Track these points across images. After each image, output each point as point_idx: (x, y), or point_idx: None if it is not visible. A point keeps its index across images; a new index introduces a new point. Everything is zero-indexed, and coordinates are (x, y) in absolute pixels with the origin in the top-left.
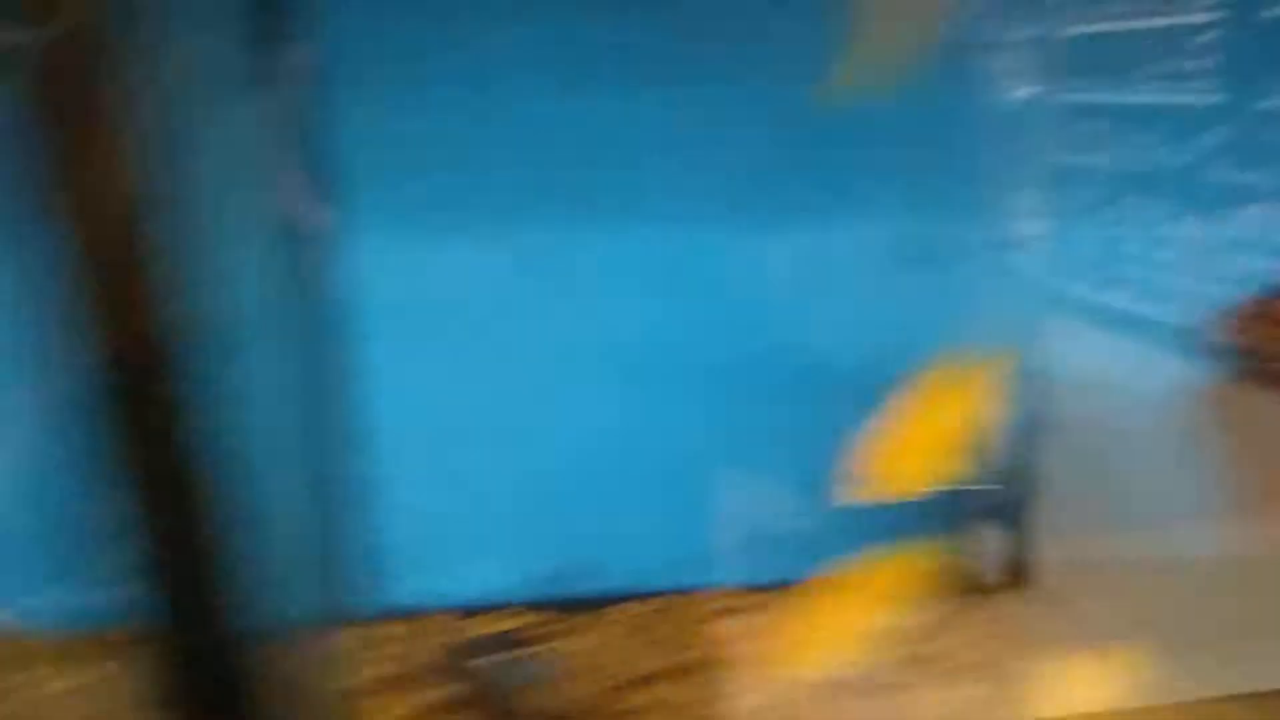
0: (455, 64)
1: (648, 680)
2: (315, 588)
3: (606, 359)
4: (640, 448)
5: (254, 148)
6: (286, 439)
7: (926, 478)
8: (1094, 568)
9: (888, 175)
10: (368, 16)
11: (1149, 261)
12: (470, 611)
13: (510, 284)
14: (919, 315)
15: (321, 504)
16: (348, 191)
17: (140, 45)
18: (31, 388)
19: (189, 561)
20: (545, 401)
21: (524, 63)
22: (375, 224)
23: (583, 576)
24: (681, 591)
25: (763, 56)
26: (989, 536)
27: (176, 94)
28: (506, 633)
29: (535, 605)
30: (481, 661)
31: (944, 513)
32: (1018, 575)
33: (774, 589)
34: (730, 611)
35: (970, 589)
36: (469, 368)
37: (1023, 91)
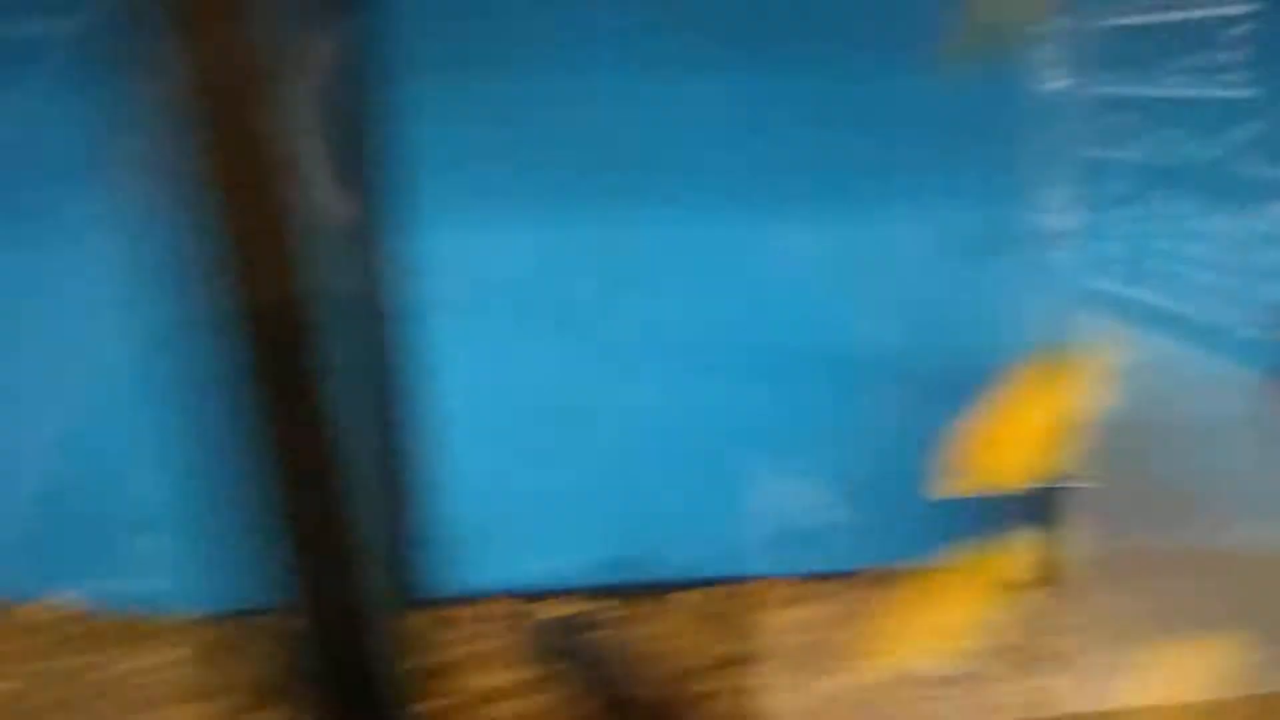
0: (521, 51)
1: (717, 667)
2: (396, 569)
3: (668, 347)
4: (697, 435)
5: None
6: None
7: (1021, 472)
8: (1153, 561)
9: (939, 165)
10: (432, 3)
11: (1178, 256)
12: (529, 597)
13: (575, 271)
14: (978, 306)
15: (395, 487)
16: (417, 178)
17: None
18: (144, 368)
19: (323, 538)
20: (606, 389)
21: (586, 50)
22: (441, 210)
23: (642, 564)
24: (743, 580)
25: (817, 46)
26: (1061, 529)
27: (300, 67)
28: (578, 616)
29: (595, 591)
30: (560, 644)
31: (1029, 507)
32: (1082, 569)
33: (838, 578)
34: (794, 600)
35: (1041, 582)
36: (530, 356)
37: (1056, 84)
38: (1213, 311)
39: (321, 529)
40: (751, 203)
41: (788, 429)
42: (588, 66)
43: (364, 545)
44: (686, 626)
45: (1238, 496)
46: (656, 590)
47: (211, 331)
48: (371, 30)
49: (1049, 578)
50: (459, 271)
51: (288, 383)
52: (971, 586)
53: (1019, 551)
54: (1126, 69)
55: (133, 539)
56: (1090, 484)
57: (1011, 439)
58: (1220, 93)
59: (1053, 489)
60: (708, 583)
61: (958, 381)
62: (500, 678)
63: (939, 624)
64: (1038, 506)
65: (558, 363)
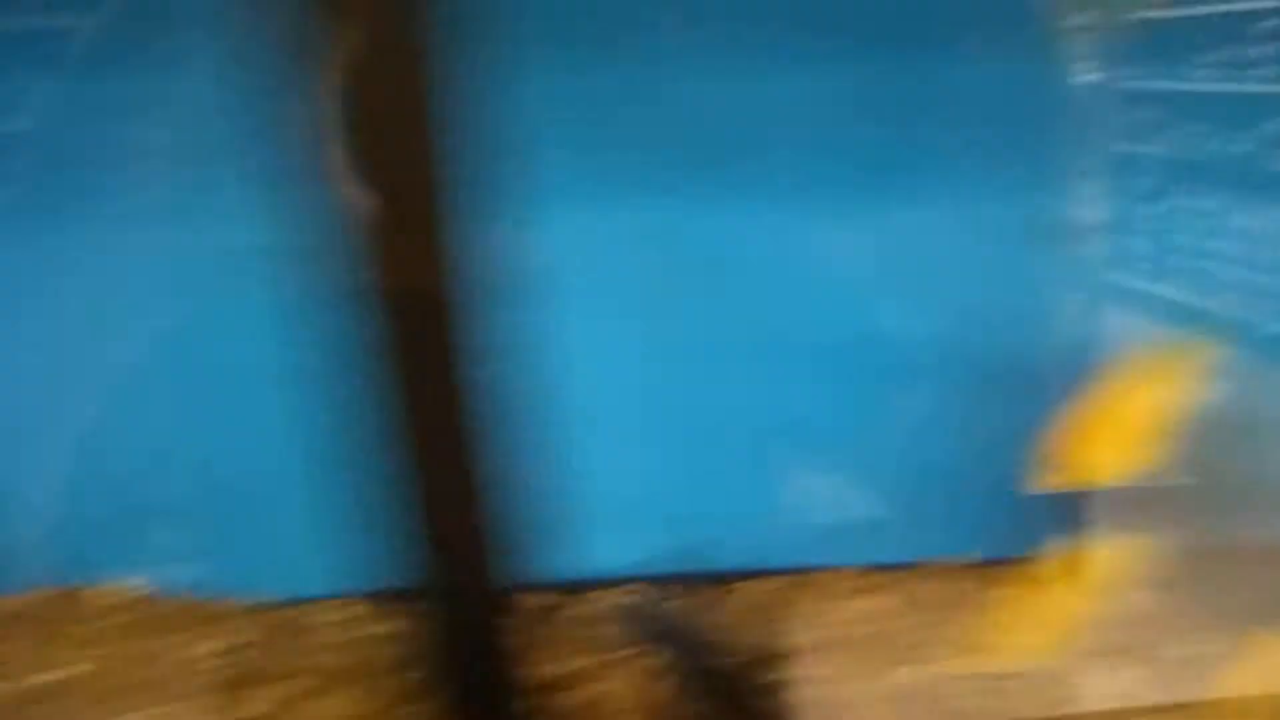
0: (619, 40)
1: (784, 656)
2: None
3: (732, 337)
4: (758, 425)
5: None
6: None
7: (1116, 468)
8: (1219, 557)
9: (975, 158)
10: None
11: (1205, 252)
12: (595, 584)
13: (636, 262)
14: (1032, 299)
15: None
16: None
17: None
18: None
19: (457, 520)
20: (670, 378)
21: (678, 43)
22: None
23: (704, 553)
24: (803, 571)
25: (854, 39)
26: (1150, 526)
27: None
28: (657, 602)
29: (656, 580)
30: (649, 627)
31: (1118, 503)
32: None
33: (899, 570)
34: (857, 591)
35: (1130, 577)
36: (592, 344)
37: (1086, 78)
38: (1240, 307)
39: (457, 511)
40: (794, 196)
41: (851, 420)
42: (668, 57)
43: (497, 528)
44: (751, 616)
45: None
46: (718, 580)
47: (351, 311)
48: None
49: (1137, 573)
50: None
51: (428, 364)
52: (1064, 582)
53: (1110, 548)
54: (1154, 63)
55: (197, 525)
56: (1181, 480)
57: (1107, 435)
58: (1249, 87)
59: (1144, 485)
60: (769, 573)
61: (1016, 375)
62: (572, 664)
63: (1034, 619)
64: (1127, 503)
65: (619, 352)
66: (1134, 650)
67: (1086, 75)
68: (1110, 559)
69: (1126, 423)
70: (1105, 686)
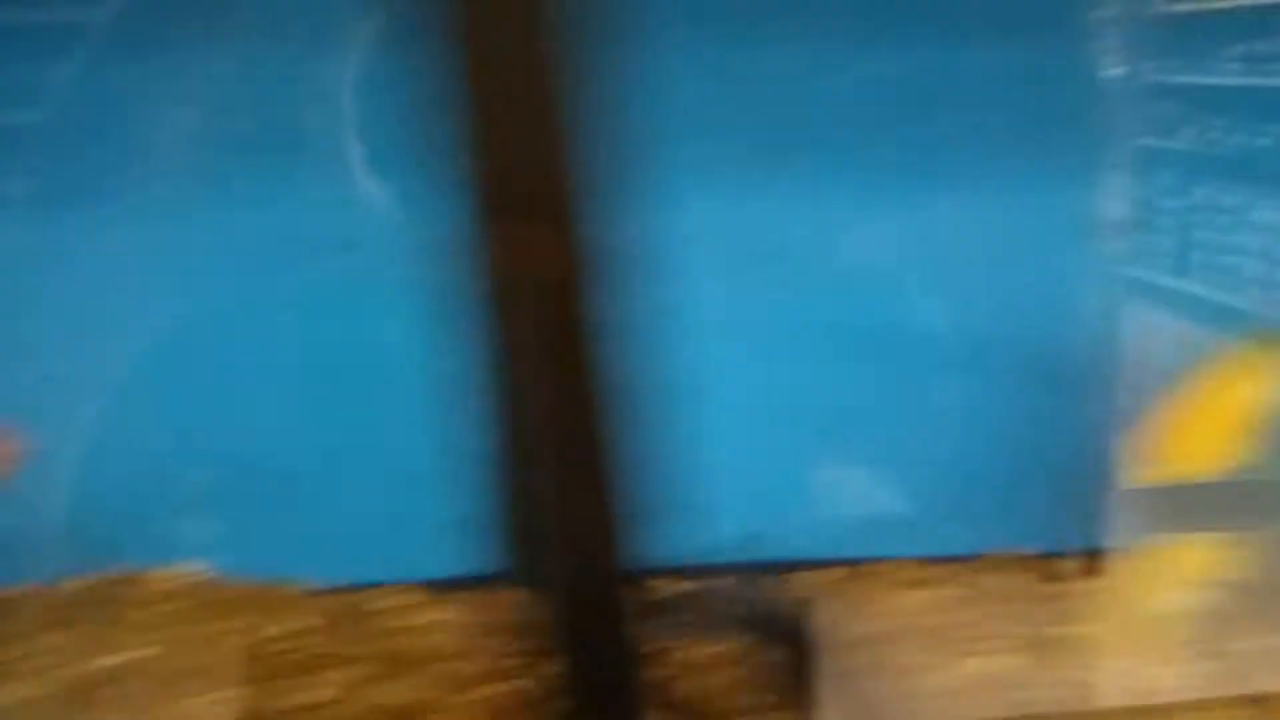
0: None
1: (856, 644)
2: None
3: (796, 326)
4: (816, 414)
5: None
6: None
7: (1212, 462)
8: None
9: (1028, 147)
10: None
11: (1227, 247)
12: (654, 573)
13: (707, 249)
14: (1082, 292)
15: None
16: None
17: None
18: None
19: (586, 505)
20: (731, 366)
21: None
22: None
23: (764, 543)
24: (862, 561)
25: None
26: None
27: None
28: (743, 589)
29: (717, 570)
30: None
31: (1215, 498)
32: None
33: (958, 562)
34: (919, 583)
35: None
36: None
37: (1111, 71)
38: (1262, 303)
39: (583, 493)
40: (839, 185)
41: (911, 412)
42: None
43: (623, 510)
44: (815, 606)
45: None
46: (778, 569)
47: (472, 296)
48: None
49: (1228, 570)
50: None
51: (556, 346)
52: (1135, 575)
53: (1180, 543)
54: (1178, 57)
55: (248, 510)
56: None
57: (1203, 429)
58: (1274, 82)
59: (1240, 480)
60: (825, 563)
61: (1065, 369)
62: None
63: (1104, 610)
64: (1224, 497)
65: (680, 339)
66: (1205, 643)
67: (1111, 69)
68: (1181, 554)
69: (1222, 417)
70: (1176, 679)
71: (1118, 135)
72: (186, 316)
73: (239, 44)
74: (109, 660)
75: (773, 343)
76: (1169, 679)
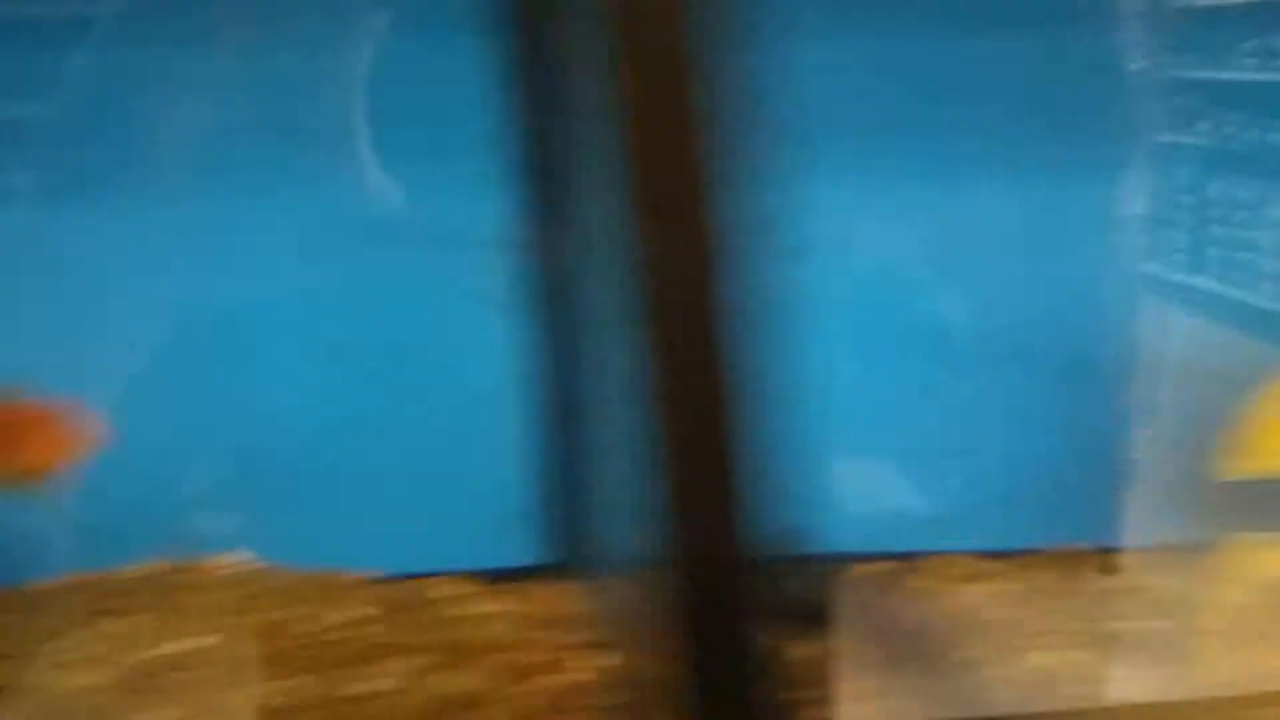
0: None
1: (916, 637)
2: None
3: (849, 319)
4: (866, 408)
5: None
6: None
7: None
8: None
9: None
10: None
11: (1241, 242)
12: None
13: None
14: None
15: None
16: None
17: None
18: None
19: (715, 487)
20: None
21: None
22: None
23: (813, 536)
24: (915, 556)
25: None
26: None
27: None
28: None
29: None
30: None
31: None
32: None
33: (1011, 557)
34: (974, 577)
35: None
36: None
37: (1132, 66)
38: (1271, 298)
39: (711, 479)
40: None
41: (963, 407)
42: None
43: (750, 497)
44: (870, 599)
45: None
46: (829, 562)
47: (607, 273)
48: None
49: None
50: None
51: (690, 334)
52: (1201, 570)
53: (1249, 537)
54: (1193, 52)
55: (309, 499)
56: None
57: None
58: None
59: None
60: (877, 557)
61: (1104, 365)
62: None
63: (1165, 603)
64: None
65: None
66: (1273, 636)
67: (1130, 63)
68: (1248, 548)
69: None
70: (1242, 671)
71: (1136, 130)
72: (229, 305)
73: (246, 32)
74: (170, 648)
75: (821, 338)
76: (1237, 671)
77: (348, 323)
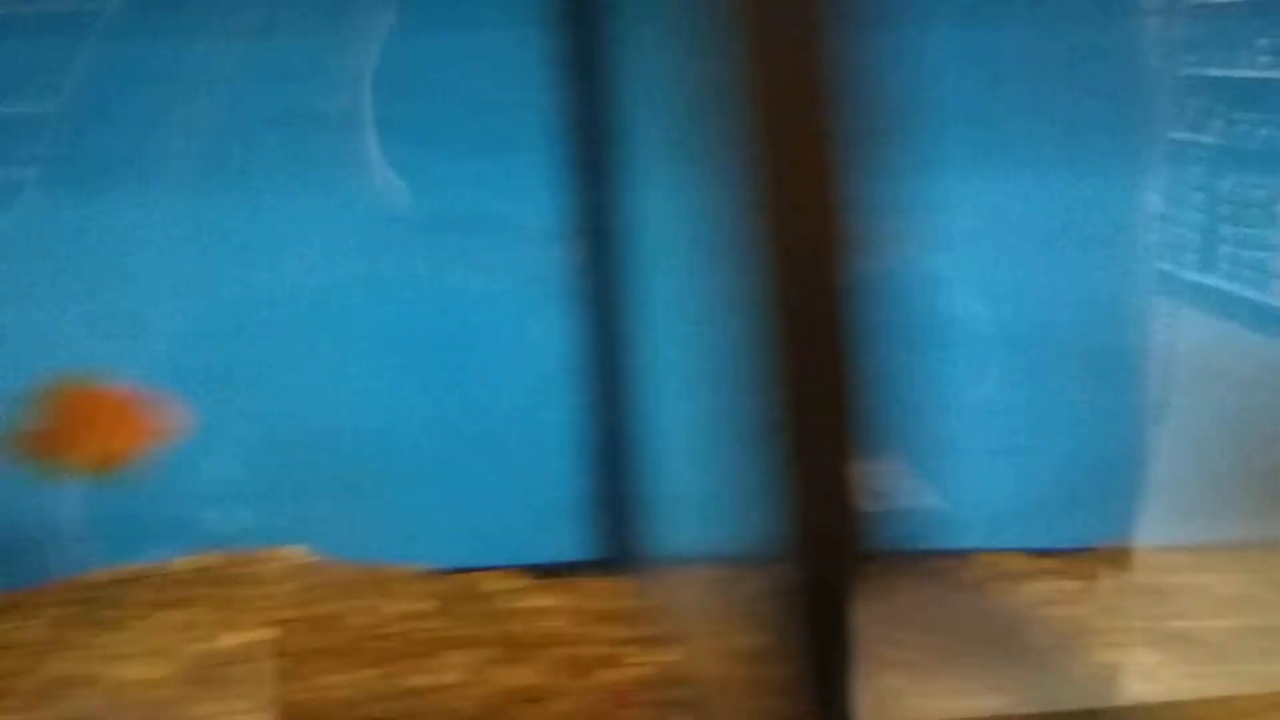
0: None
1: (980, 632)
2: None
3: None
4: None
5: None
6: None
7: None
8: None
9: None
10: None
11: (1252, 241)
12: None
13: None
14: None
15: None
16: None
17: None
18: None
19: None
20: None
21: None
22: None
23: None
24: (964, 553)
25: None
26: None
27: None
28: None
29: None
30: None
31: None
32: None
33: (1062, 555)
34: (1026, 575)
35: None
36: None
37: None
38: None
39: (832, 468)
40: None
41: (1016, 404)
42: None
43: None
44: (932, 594)
45: None
46: (891, 559)
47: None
48: None
49: None
50: None
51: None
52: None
53: None
54: (1205, 50)
55: (363, 493)
56: None
57: None
58: None
59: None
60: (928, 554)
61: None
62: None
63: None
64: None
65: None
66: None
67: (1142, 60)
68: None
69: None
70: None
71: (1151, 127)
72: (281, 299)
73: (252, 25)
74: (231, 640)
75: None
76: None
77: (402, 316)
